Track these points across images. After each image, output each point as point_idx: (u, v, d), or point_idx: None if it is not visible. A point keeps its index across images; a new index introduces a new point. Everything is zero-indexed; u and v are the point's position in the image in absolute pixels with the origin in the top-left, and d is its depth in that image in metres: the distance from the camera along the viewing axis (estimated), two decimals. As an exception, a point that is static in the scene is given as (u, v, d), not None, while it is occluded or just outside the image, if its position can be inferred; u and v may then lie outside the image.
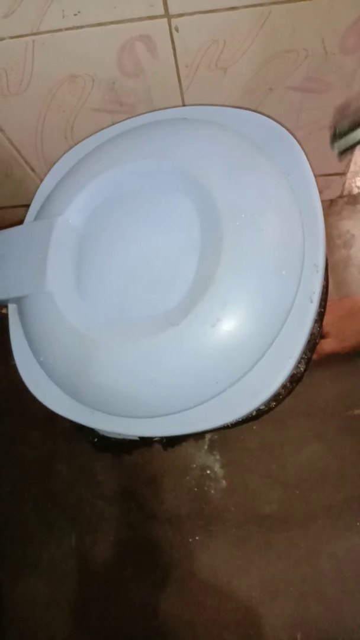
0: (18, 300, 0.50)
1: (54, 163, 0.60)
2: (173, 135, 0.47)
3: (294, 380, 0.46)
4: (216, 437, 0.73)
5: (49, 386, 0.48)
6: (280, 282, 0.40)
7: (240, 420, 0.43)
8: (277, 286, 0.40)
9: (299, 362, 0.43)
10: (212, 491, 0.72)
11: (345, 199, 0.79)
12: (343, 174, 0.73)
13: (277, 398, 0.45)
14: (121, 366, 0.42)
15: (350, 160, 0.71)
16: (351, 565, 0.65)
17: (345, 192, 0.78)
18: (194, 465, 0.73)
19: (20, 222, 0.77)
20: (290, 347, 0.41)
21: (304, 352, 0.43)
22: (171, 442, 0.67)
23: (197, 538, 0.70)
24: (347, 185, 0.77)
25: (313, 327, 0.42)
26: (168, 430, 0.44)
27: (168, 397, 0.42)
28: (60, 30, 0.48)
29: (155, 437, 0.47)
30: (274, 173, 0.44)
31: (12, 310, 0.52)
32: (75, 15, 0.47)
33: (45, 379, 0.48)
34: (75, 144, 0.60)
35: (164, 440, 0.66)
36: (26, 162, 0.66)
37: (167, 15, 0.47)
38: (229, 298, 0.40)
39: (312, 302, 0.41)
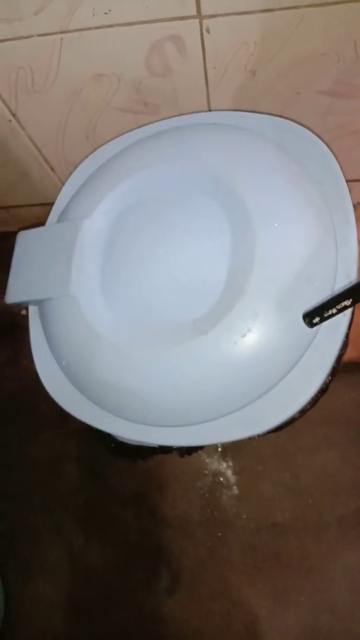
0: (39, 303, 0.49)
1: (74, 163, 0.59)
2: (203, 140, 0.46)
3: (320, 391, 0.46)
4: (228, 444, 0.73)
5: (69, 391, 0.47)
6: (312, 293, 0.40)
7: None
8: (309, 297, 0.40)
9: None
10: (224, 498, 0.71)
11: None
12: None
13: (303, 409, 0.44)
14: (147, 374, 0.41)
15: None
16: (364, 576, 0.65)
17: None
18: (206, 472, 0.72)
19: (36, 220, 0.77)
20: (322, 359, 0.40)
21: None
22: (189, 450, 0.67)
23: (207, 544, 0.70)
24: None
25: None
26: (191, 441, 0.43)
27: (194, 407, 0.41)
28: (89, 28, 0.47)
29: (177, 446, 0.46)
30: (306, 181, 0.43)
31: (32, 312, 0.51)
32: (105, 13, 0.46)
33: (65, 384, 0.48)
34: (97, 144, 0.60)
35: (184, 449, 0.65)
36: (46, 161, 0.65)
37: (199, 15, 0.46)
38: (260, 308, 0.39)
39: (345, 314, 0.40)
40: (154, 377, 0.41)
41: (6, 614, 0.68)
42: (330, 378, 0.46)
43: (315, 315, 0.39)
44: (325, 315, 0.38)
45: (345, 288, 0.38)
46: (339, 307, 0.38)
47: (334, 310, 0.38)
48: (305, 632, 0.64)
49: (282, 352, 0.39)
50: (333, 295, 0.38)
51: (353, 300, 0.37)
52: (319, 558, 0.67)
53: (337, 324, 0.40)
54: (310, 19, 0.47)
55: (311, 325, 0.39)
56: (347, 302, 0.37)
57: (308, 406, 0.45)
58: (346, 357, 0.68)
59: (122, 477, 0.73)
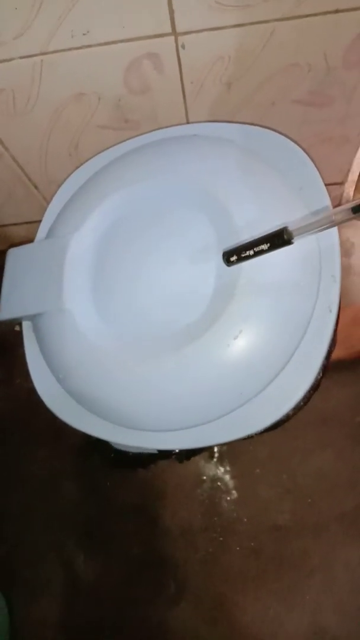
0: (33, 318, 0.49)
1: (58, 181, 0.60)
2: (185, 152, 0.47)
3: (312, 388, 0.47)
4: (225, 448, 0.73)
5: (67, 403, 0.48)
6: (299, 294, 0.41)
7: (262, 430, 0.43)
8: (296, 298, 0.41)
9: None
10: (224, 503, 0.72)
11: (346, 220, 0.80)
12: (342, 183, 0.74)
13: (297, 406, 0.45)
14: (144, 382, 0.42)
15: (348, 170, 0.72)
16: (366, 572, 0.65)
17: (344, 201, 0.80)
18: (204, 478, 0.73)
19: (22, 239, 0.78)
20: (312, 357, 0.41)
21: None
22: (188, 454, 0.67)
23: (210, 551, 0.70)
24: (345, 194, 0.79)
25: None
26: (190, 443, 0.44)
27: (192, 410, 0.42)
28: (69, 49, 0.48)
29: (177, 450, 0.47)
30: (287, 188, 0.44)
31: (26, 327, 0.51)
32: (84, 34, 0.47)
33: (63, 396, 0.48)
34: (80, 161, 0.61)
35: (183, 453, 0.65)
36: (30, 180, 0.66)
37: (174, 32, 0.48)
38: (250, 311, 0.40)
39: (331, 311, 0.41)
40: (151, 383, 0.42)
41: (12, 636, 0.68)
42: (321, 375, 0.47)
43: (233, 254, 0.40)
44: (243, 255, 0.39)
45: (265, 234, 0.39)
46: (256, 249, 0.39)
47: (251, 252, 0.39)
48: (312, 633, 0.64)
49: (274, 351, 0.41)
50: (252, 238, 0.39)
51: (270, 245, 0.38)
52: (321, 557, 0.67)
53: (324, 323, 0.41)
54: (281, 32, 0.49)
55: (228, 263, 0.41)
56: (264, 247, 0.38)
57: (302, 403, 0.47)
58: (335, 356, 0.69)
59: (121, 490, 0.73)
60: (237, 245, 0.40)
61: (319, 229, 0.37)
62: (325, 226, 0.38)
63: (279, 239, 0.37)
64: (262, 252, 0.39)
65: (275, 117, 0.59)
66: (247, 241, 0.40)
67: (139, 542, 0.71)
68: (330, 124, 0.60)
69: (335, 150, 0.66)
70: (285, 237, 0.37)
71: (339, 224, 0.38)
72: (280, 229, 0.37)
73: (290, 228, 0.37)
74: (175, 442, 0.43)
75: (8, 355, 0.78)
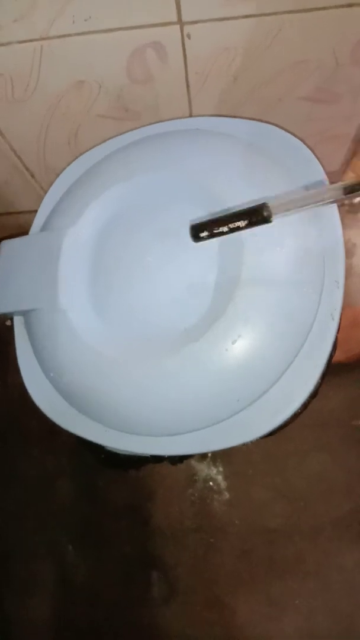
0: (26, 313, 0.48)
1: (56, 170, 0.59)
2: (187, 147, 0.45)
3: (311, 395, 0.46)
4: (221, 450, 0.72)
5: (57, 402, 0.47)
6: (302, 299, 0.40)
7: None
8: (298, 302, 0.40)
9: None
10: (216, 504, 0.71)
11: (346, 208, 0.78)
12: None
13: (295, 414, 0.44)
14: (139, 384, 0.41)
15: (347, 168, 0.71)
16: (360, 577, 0.65)
17: (346, 201, 0.78)
18: (197, 478, 0.72)
19: (18, 228, 0.76)
20: (312, 364, 0.40)
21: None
22: (182, 457, 0.66)
23: (200, 552, 0.69)
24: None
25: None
26: (185, 449, 0.42)
27: (187, 415, 0.41)
28: (69, 35, 0.46)
29: (170, 455, 0.45)
30: (292, 187, 0.43)
31: (17, 323, 0.50)
32: (85, 20, 0.45)
33: (53, 395, 0.47)
34: (79, 151, 0.59)
35: (176, 457, 0.64)
36: (27, 169, 0.64)
37: (180, 22, 0.46)
38: (250, 314, 0.39)
39: (333, 319, 0.40)
40: (145, 386, 0.41)
41: (2, 633, 0.67)
42: (320, 382, 0.46)
43: (203, 229, 0.35)
44: (215, 231, 0.35)
45: (244, 209, 0.35)
46: (231, 226, 0.34)
47: (225, 229, 0.35)
48: (303, 637, 0.64)
49: (273, 357, 0.39)
50: (228, 213, 0.35)
51: (249, 222, 0.34)
52: (314, 561, 0.67)
53: (326, 330, 0.40)
54: (291, 25, 0.47)
55: (197, 239, 0.35)
56: (241, 223, 0.34)
57: (299, 410, 0.45)
58: (335, 359, 0.69)
59: (114, 489, 0.72)
60: (209, 219, 0.35)
61: (304, 207, 0.34)
62: (310, 205, 0.34)
63: (257, 215, 0.34)
64: (237, 229, 0.34)
65: (280, 113, 0.57)
66: (220, 215, 0.35)
67: (131, 542, 0.70)
68: (336, 121, 0.59)
69: (340, 149, 0.65)
70: (265, 213, 0.33)
71: (326, 203, 0.35)
72: (259, 205, 0.34)
73: (271, 204, 0.34)
74: (168, 447, 0.42)
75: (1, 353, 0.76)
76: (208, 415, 0.40)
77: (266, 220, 0.34)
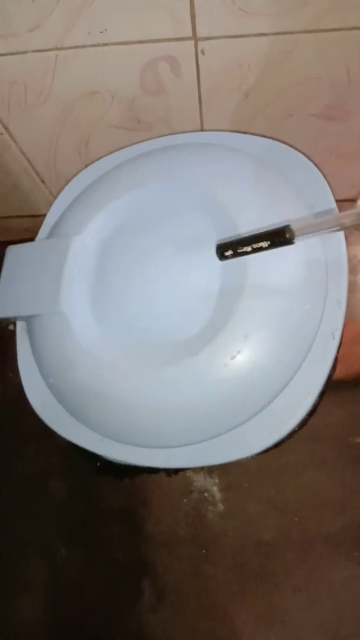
0: (28, 318, 0.48)
1: (66, 176, 0.59)
2: (197, 160, 0.46)
3: (309, 413, 0.46)
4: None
5: (56, 408, 0.47)
6: (303, 317, 0.40)
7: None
8: (300, 321, 0.40)
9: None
10: (210, 515, 0.71)
11: (354, 225, 0.78)
12: (354, 200, 0.73)
13: (292, 432, 0.44)
14: (135, 394, 0.41)
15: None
16: (349, 594, 0.64)
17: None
18: (192, 488, 0.72)
19: (25, 232, 0.76)
20: (310, 383, 0.40)
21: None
22: (177, 470, 0.66)
23: (192, 562, 0.69)
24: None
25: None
26: (179, 463, 0.43)
27: (182, 429, 0.41)
28: (84, 46, 0.47)
29: (164, 467, 0.46)
30: (298, 204, 0.43)
31: (20, 328, 0.50)
32: (101, 32, 0.46)
33: (52, 401, 0.47)
34: (89, 160, 0.60)
35: (171, 469, 0.65)
36: (37, 174, 0.65)
37: (194, 37, 0.47)
38: (250, 330, 0.39)
39: (334, 338, 0.40)
40: (143, 397, 0.41)
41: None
42: (319, 400, 0.46)
43: (228, 249, 0.37)
44: (239, 251, 0.36)
45: (267, 230, 0.36)
46: (254, 246, 0.36)
47: (249, 249, 0.36)
48: (290, 652, 0.64)
49: (272, 374, 0.40)
50: (253, 233, 0.37)
51: (271, 243, 0.35)
52: (305, 576, 0.66)
53: (326, 349, 0.40)
54: (304, 44, 0.47)
55: (222, 257, 0.37)
56: (264, 244, 0.35)
57: (296, 428, 0.45)
58: (335, 375, 0.68)
59: (108, 493, 0.72)
60: (233, 239, 0.37)
61: (324, 231, 0.35)
62: (330, 229, 0.35)
63: (280, 237, 0.35)
64: (260, 249, 0.36)
65: (291, 130, 0.58)
66: (245, 235, 0.37)
67: (123, 548, 0.70)
68: (347, 139, 0.59)
69: (350, 166, 0.65)
70: (287, 235, 0.35)
71: (346, 227, 0.36)
72: (282, 227, 0.35)
73: (293, 226, 0.35)
74: (163, 460, 0.42)
75: (2, 349, 0.76)
76: (204, 429, 0.41)
77: (289, 242, 0.35)
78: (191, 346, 0.40)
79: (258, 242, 0.36)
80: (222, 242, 0.38)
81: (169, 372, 0.40)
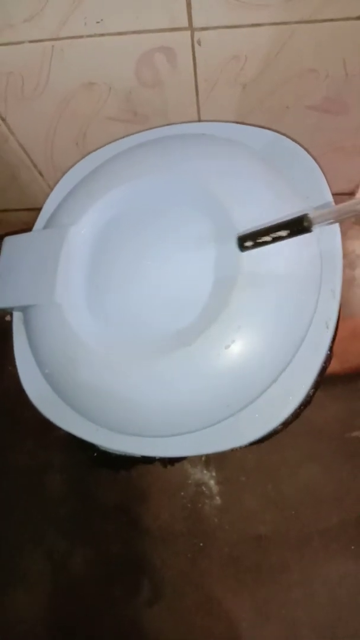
0: (24, 309, 0.48)
1: (63, 169, 0.59)
2: (192, 151, 0.46)
3: (303, 404, 0.46)
4: (212, 454, 0.72)
5: (52, 398, 0.47)
6: (297, 307, 0.40)
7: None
8: (293, 310, 0.40)
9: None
10: (207, 508, 0.71)
11: (352, 219, 0.78)
12: (351, 194, 0.73)
13: (286, 422, 0.44)
14: (130, 384, 0.41)
15: (360, 182, 0.71)
16: (345, 590, 0.64)
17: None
18: (189, 481, 0.72)
19: (23, 225, 0.76)
20: (304, 373, 0.40)
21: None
22: (172, 460, 0.66)
23: (188, 556, 0.69)
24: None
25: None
26: (174, 451, 0.43)
27: (177, 418, 0.41)
28: (81, 37, 0.47)
29: (159, 457, 0.46)
30: (292, 195, 0.43)
31: (16, 318, 0.50)
32: (97, 23, 0.46)
33: (48, 391, 0.47)
34: (86, 151, 0.59)
35: (166, 459, 0.64)
36: (35, 166, 0.65)
37: (190, 28, 0.47)
38: (244, 320, 0.39)
39: (327, 328, 0.40)
40: (137, 387, 0.41)
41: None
42: (313, 391, 0.46)
43: (248, 239, 0.38)
44: (259, 241, 0.37)
45: (285, 219, 0.37)
46: (273, 235, 0.37)
47: (268, 238, 0.37)
48: (286, 647, 0.64)
49: (266, 364, 0.39)
50: (271, 223, 0.37)
51: (290, 232, 0.36)
52: (301, 571, 0.66)
53: (320, 339, 0.40)
54: (300, 35, 0.47)
55: (243, 248, 0.39)
56: (283, 233, 0.36)
57: (291, 418, 0.45)
58: (330, 369, 0.68)
59: (105, 487, 0.72)
60: (253, 230, 0.38)
61: (341, 217, 0.36)
62: (347, 215, 0.36)
63: (298, 225, 0.36)
64: (280, 238, 0.37)
65: (288, 122, 0.58)
66: (264, 226, 0.38)
67: (120, 542, 0.70)
68: (344, 132, 0.59)
69: (347, 160, 0.65)
70: (305, 224, 0.35)
71: None
72: (300, 215, 0.36)
73: (311, 215, 0.36)
74: (157, 449, 0.42)
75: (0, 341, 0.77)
76: (197, 418, 0.41)
77: (307, 230, 0.36)
78: (185, 336, 0.40)
79: (277, 232, 0.37)
80: (242, 233, 0.39)
81: (162, 362, 0.40)
